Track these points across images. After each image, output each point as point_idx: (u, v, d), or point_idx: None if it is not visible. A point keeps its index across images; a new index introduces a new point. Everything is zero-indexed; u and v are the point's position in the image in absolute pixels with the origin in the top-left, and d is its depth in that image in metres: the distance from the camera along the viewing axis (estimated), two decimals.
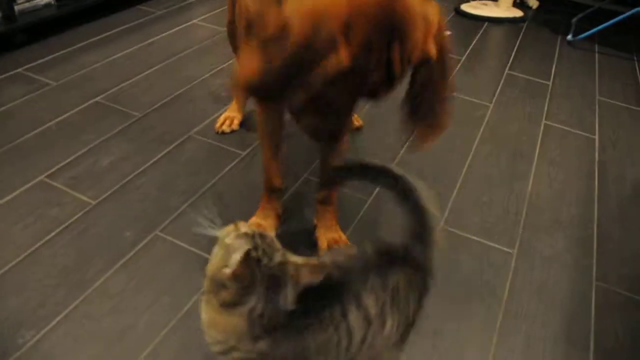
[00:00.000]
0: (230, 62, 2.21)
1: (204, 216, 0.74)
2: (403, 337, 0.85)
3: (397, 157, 1.75)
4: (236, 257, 0.68)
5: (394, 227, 1.45)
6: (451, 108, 0.96)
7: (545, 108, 2.12)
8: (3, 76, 1.98)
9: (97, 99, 1.90)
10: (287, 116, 1.07)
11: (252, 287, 0.70)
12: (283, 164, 1.32)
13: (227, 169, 1.62)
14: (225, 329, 0.73)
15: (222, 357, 0.76)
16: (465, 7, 2.99)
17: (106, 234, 1.35)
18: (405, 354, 1.02)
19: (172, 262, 1.29)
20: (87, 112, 1.82)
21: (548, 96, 2.21)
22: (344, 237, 1.36)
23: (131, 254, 1.30)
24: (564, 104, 2.16)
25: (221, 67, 2.20)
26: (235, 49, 1.70)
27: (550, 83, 2.32)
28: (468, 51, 2.55)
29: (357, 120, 1.87)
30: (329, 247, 1.33)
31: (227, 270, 0.69)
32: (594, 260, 1.41)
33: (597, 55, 2.63)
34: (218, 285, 0.71)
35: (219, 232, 0.74)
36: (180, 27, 2.52)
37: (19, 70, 2.03)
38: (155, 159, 1.63)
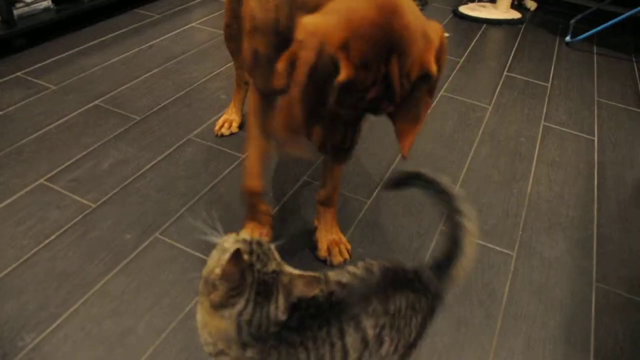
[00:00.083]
0: (228, 64, 2.21)
1: (205, 222, 0.75)
2: (402, 357, 0.84)
3: (396, 157, 1.75)
4: (226, 256, 0.69)
5: (393, 228, 1.45)
6: (428, 108, 0.98)
7: (544, 109, 2.13)
8: (2, 80, 1.98)
9: (97, 102, 1.90)
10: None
11: (241, 289, 0.69)
12: (265, 168, 1.26)
13: (226, 171, 1.62)
14: (215, 332, 0.73)
15: (213, 359, 0.76)
16: (463, 9, 3.00)
17: (106, 237, 1.35)
18: None
19: (173, 264, 1.29)
20: (87, 116, 1.82)
21: (547, 98, 2.22)
22: (344, 238, 1.37)
23: (131, 256, 1.31)
24: (562, 106, 2.17)
25: (220, 70, 2.20)
26: (233, 51, 1.71)
27: (549, 84, 2.32)
28: (466, 53, 2.55)
29: None
30: (329, 249, 1.33)
31: (218, 270, 0.69)
32: (594, 262, 1.42)
33: (595, 56, 2.64)
34: (209, 286, 0.71)
35: (221, 240, 0.74)
36: (179, 30, 2.53)
37: (19, 74, 2.03)
38: (155, 162, 1.63)
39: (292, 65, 0.83)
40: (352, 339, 0.76)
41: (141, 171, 1.59)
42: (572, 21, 2.90)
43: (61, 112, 1.82)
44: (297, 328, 0.74)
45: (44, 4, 2.27)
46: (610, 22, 2.59)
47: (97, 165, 1.60)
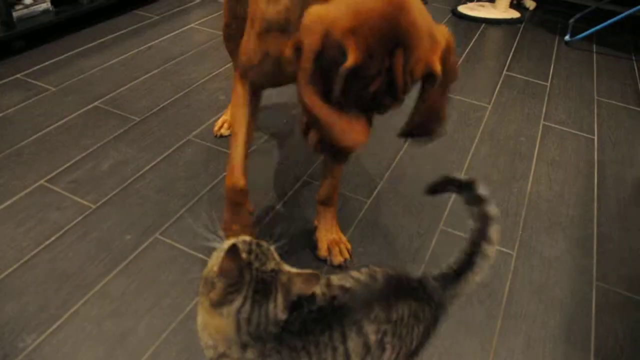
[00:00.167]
0: (227, 65, 2.21)
1: (206, 227, 0.75)
2: None
3: (396, 157, 1.75)
4: (222, 253, 0.69)
5: (393, 228, 1.45)
6: (445, 123, 0.99)
7: (544, 109, 2.13)
8: (2, 82, 1.98)
9: (96, 103, 1.90)
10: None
11: (239, 286, 0.69)
12: (246, 163, 1.22)
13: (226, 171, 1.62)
14: (215, 332, 0.73)
15: None
16: (462, 9, 3.00)
17: (106, 238, 1.35)
18: None
19: (173, 265, 1.29)
20: (86, 117, 1.82)
21: (546, 97, 2.22)
22: (344, 238, 1.37)
23: (131, 257, 1.31)
24: (562, 105, 2.17)
25: (219, 70, 2.20)
26: (232, 51, 1.70)
27: (548, 84, 2.32)
28: (466, 53, 2.56)
29: None
30: (329, 248, 1.33)
31: (216, 268, 0.69)
32: (594, 261, 1.42)
33: (595, 55, 2.64)
34: (209, 285, 0.71)
35: (222, 244, 0.74)
36: (178, 31, 2.53)
37: (18, 75, 2.03)
38: (154, 163, 1.63)
39: (298, 52, 0.83)
40: (354, 343, 0.76)
41: (141, 172, 1.59)
42: (571, 20, 2.90)
43: (61, 114, 1.83)
44: (300, 332, 0.74)
45: (43, 6, 2.27)
46: (609, 21, 2.59)
47: (97, 166, 1.60)
